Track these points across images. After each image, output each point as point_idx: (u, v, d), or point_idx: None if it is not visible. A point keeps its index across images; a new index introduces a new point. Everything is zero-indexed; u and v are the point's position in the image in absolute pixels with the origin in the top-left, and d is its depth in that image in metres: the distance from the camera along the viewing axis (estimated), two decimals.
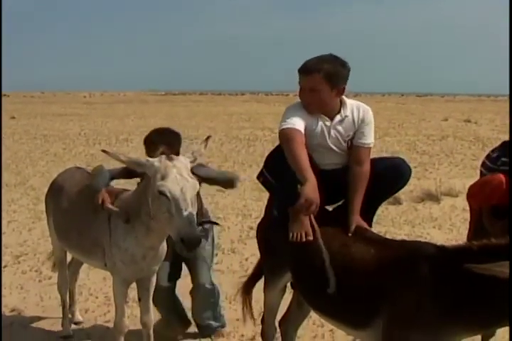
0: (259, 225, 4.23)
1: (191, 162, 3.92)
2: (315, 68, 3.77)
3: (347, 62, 3.87)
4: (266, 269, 4.16)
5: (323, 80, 3.77)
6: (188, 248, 3.60)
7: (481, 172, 4.90)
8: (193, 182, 3.77)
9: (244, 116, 36.49)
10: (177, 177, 3.72)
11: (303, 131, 3.73)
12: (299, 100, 3.96)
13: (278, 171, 3.77)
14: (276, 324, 4.33)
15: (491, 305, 2.97)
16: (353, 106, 3.96)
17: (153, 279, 4.60)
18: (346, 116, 3.91)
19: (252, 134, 23.91)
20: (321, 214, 3.77)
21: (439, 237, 7.98)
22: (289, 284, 4.13)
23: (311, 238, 3.61)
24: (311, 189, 3.44)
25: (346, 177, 3.87)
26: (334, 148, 3.94)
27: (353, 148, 3.96)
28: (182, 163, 3.84)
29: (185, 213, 3.60)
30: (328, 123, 3.90)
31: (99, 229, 4.35)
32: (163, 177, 3.71)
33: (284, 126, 3.71)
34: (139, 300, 4.61)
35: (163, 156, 3.84)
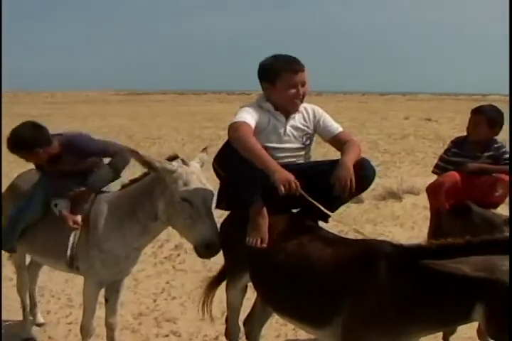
0: (221, 224, 4.24)
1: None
2: (303, 64, 3.93)
3: None
4: (227, 268, 4.17)
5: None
6: (211, 253, 3.70)
7: (436, 164, 4.94)
8: (211, 188, 3.80)
9: (207, 116, 36.38)
10: (198, 184, 3.73)
11: (253, 126, 3.77)
12: (251, 101, 4.06)
13: (228, 165, 3.77)
14: (241, 323, 4.34)
15: (451, 303, 2.98)
16: (301, 106, 4.06)
17: (126, 281, 4.56)
18: (297, 112, 4.03)
19: (214, 134, 23.81)
20: (284, 214, 3.86)
21: (401, 235, 8.06)
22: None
23: (265, 245, 3.64)
24: (282, 174, 3.45)
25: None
26: (288, 145, 3.99)
27: (331, 140, 4.06)
28: (198, 168, 3.85)
29: (209, 220, 3.66)
30: (282, 119, 3.97)
31: (71, 230, 4.26)
32: (185, 184, 3.70)
33: (234, 120, 3.75)
34: (106, 301, 4.55)
35: (180, 161, 3.83)
